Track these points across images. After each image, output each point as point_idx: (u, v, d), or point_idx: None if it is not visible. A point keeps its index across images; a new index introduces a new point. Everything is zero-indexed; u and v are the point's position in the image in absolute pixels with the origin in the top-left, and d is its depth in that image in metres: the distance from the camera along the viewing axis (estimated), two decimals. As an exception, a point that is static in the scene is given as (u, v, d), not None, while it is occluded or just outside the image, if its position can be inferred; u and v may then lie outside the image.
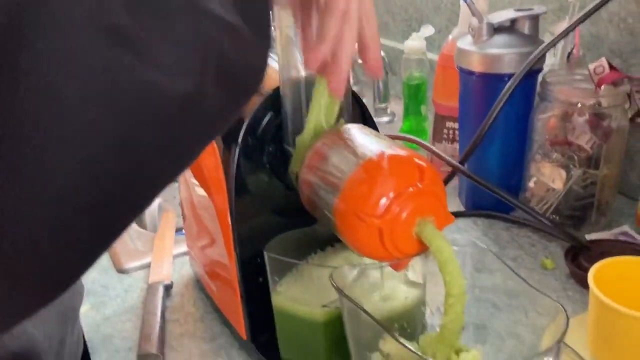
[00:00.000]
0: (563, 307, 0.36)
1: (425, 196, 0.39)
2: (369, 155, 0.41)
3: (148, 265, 0.72)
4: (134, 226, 0.84)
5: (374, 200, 0.39)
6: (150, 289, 0.66)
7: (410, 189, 0.39)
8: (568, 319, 0.35)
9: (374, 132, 0.46)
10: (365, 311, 0.37)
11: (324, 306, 0.47)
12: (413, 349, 0.35)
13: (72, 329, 0.54)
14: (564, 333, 0.33)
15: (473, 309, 0.45)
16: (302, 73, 0.47)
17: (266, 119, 0.50)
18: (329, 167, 0.43)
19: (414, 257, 0.41)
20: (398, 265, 0.42)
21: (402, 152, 0.41)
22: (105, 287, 0.70)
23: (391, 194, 0.39)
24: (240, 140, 0.49)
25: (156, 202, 0.93)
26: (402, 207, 0.39)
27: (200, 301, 0.66)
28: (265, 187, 0.52)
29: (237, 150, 0.50)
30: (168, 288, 0.68)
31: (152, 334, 0.59)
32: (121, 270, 0.72)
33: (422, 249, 0.41)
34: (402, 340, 0.37)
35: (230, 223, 0.51)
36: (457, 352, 0.42)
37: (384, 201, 0.39)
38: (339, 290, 0.39)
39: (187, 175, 0.60)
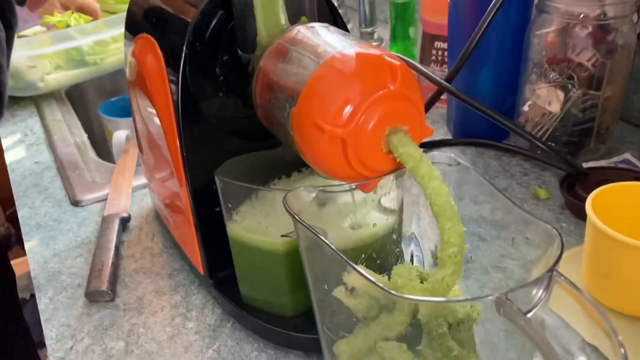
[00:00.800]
0: (557, 231, 0.30)
1: (397, 101, 0.33)
2: (331, 54, 0.34)
3: (105, 198, 0.66)
4: (92, 157, 0.77)
5: (335, 106, 0.33)
6: (105, 221, 0.60)
7: (380, 92, 0.32)
8: (563, 244, 0.29)
9: (341, 31, 0.39)
10: (320, 237, 0.31)
11: (284, 235, 0.41)
12: (376, 281, 0.29)
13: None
14: (558, 260, 0.28)
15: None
16: (257, -38, 0.40)
17: (216, 19, 0.42)
18: (285, 69, 0.36)
19: (384, 176, 0.35)
20: (366, 185, 0.36)
21: (370, 50, 0.34)
22: (57, 220, 0.64)
23: (356, 99, 0.32)
24: (185, 46, 0.42)
25: (123, 134, 0.86)
26: (369, 114, 0.32)
27: (160, 236, 0.60)
28: (219, 103, 0.45)
29: (183, 59, 0.42)
30: (125, 221, 0.62)
31: (103, 269, 0.54)
32: (75, 203, 0.66)
33: (394, 166, 0.35)
34: (364, 272, 0.31)
35: (179, 146, 0.45)
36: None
37: (347, 107, 0.32)
38: (293, 215, 0.33)
39: (142, 105, 0.53)
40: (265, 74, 0.38)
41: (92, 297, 0.52)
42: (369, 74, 0.33)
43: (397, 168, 0.35)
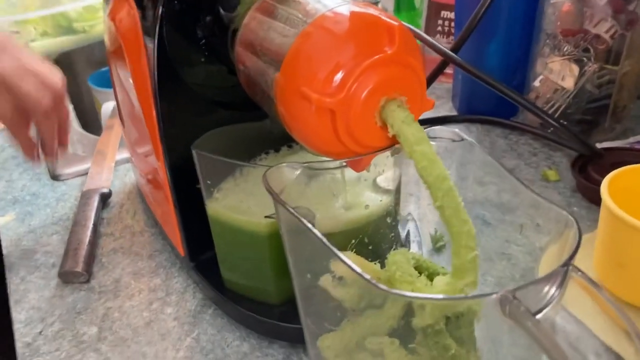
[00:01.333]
0: (574, 218, 0.26)
1: (394, 67, 0.29)
2: (321, 12, 0.30)
3: (87, 172, 0.62)
4: (76, 128, 0.73)
5: (324, 71, 0.28)
6: (84, 197, 0.57)
7: (375, 57, 0.28)
8: (580, 233, 0.25)
9: (333, -12, 0.34)
10: (302, 220, 0.27)
11: (268, 217, 0.37)
12: (364, 274, 0.25)
13: None
14: (575, 252, 0.24)
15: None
16: None
17: (196, -26, 0.38)
18: (269, 29, 0.32)
19: (377, 153, 0.31)
20: (357, 163, 0.32)
21: (366, 9, 0.30)
22: (34, 195, 0.60)
23: (348, 63, 0.28)
24: (162, 4, 0.38)
25: (111, 105, 0.82)
26: (363, 82, 0.28)
27: (142, 213, 0.57)
28: (200, 69, 0.41)
29: (159, 18, 0.38)
30: (105, 197, 0.58)
31: (79, 248, 0.50)
32: (55, 176, 0.62)
33: (388, 142, 0.31)
34: (352, 262, 0.27)
35: (155, 116, 0.41)
36: (431, 276, 0.33)
37: (337, 73, 0.28)
38: (273, 194, 0.29)
39: (122, 75, 0.49)
40: (247, 35, 0.34)
41: (66, 278, 0.48)
42: (363, 36, 0.29)
43: (392, 145, 0.31)
